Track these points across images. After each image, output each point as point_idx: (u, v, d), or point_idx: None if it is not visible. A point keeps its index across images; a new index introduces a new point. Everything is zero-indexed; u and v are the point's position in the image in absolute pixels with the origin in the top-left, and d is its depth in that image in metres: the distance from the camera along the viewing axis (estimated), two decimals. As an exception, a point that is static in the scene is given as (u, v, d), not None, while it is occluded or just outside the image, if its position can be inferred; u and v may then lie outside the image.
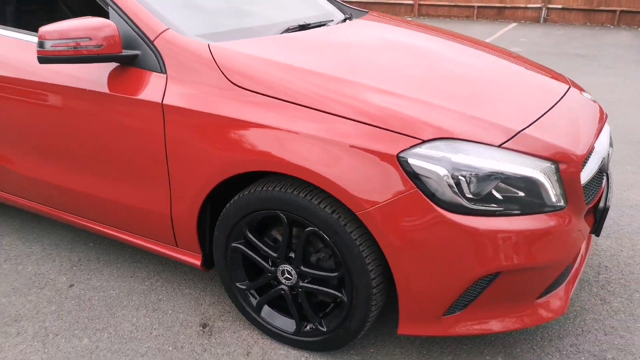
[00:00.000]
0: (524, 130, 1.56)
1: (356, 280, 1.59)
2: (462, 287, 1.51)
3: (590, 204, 1.72)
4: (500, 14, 13.10)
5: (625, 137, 4.01)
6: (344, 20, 2.52)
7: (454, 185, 1.44)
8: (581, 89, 2.10)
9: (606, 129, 1.91)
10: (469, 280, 1.49)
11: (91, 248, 2.46)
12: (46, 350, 1.82)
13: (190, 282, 2.22)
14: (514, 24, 12.31)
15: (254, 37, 1.92)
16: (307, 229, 1.62)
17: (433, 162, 1.44)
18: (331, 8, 2.76)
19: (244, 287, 1.86)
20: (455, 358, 1.80)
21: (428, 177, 1.44)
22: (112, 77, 1.82)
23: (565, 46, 8.72)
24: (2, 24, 2.31)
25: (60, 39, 1.66)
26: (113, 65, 1.83)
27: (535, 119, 1.65)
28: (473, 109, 1.59)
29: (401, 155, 1.45)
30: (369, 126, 1.49)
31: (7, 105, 2.07)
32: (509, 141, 1.51)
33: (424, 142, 1.46)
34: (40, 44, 1.66)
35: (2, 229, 2.63)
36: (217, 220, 1.87)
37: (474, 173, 1.45)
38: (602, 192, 1.89)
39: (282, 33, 2.05)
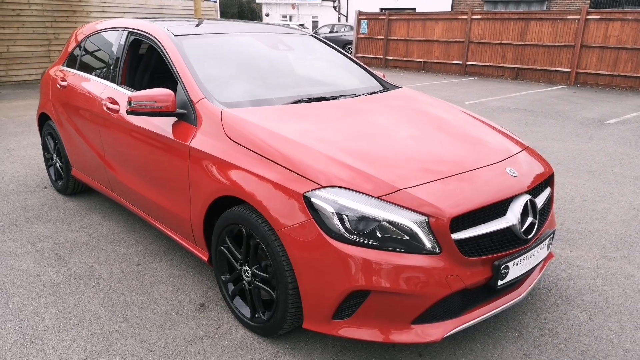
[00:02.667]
0: (405, 189, 2.05)
1: (279, 281, 2.21)
2: (339, 297, 2.03)
3: (480, 257, 2.09)
4: (670, 87, 11.91)
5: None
6: (371, 94, 3.18)
7: (339, 221, 2.01)
8: (533, 158, 2.45)
9: (520, 201, 2.23)
10: (343, 293, 2.02)
11: (163, 243, 3.45)
12: (105, 299, 2.78)
13: (208, 275, 3.02)
14: (684, 98, 11.10)
15: (264, 106, 2.71)
16: (255, 240, 2.31)
17: (326, 201, 2.04)
18: (371, 84, 3.43)
19: (225, 278, 2.60)
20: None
21: (322, 212, 2.04)
22: (174, 126, 2.77)
23: None
24: (136, 88, 3.49)
25: (139, 101, 2.66)
26: (174, 118, 2.78)
27: (430, 180, 2.11)
28: (375, 168, 2.14)
29: (306, 194, 2.08)
30: (291, 172, 2.15)
31: (125, 140, 3.18)
32: (388, 195, 2.03)
33: (322, 187, 2.07)
34: (129, 103, 2.69)
35: (95, 215, 3.79)
36: (217, 229, 2.66)
37: (353, 214, 2.00)
38: (511, 253, 2.19)
39: (292, 103, 2.81)
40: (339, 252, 2.00)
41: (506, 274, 2.17)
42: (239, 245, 2.48)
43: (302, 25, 31.59)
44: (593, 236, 3.67)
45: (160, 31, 3.12)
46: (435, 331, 2.07)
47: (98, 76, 3.61)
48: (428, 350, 2.36)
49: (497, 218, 2.18)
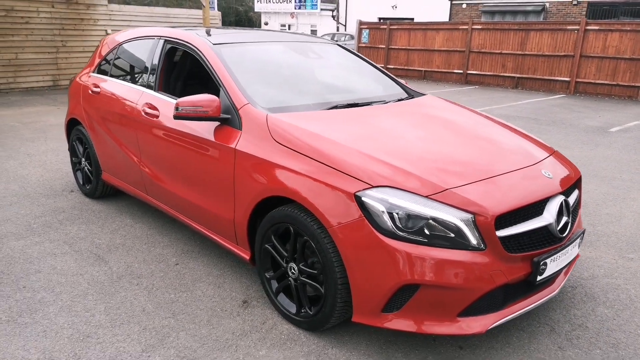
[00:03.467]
0: (452, 189, 2.18)
1: (328, 277, 2.33)
2: (390, 291, 2.15)
3: (521, 254, 2.21)
4: (668, 96, 12.17)
5: None
6: (398, 101, 3.32)
7: (388, 218, 2.13)
8: (562, 163, 2.59)
9: (557, 200, 2.37)
10: (394, 287, 2.14)
11: (197, 244, 3.56)
12: (150, 296, 2.88)
13: (246, 273, 3.13)
14: (682, 107, 11.35)
15: (304, 111, 2.84)
16: (304, 238, 2.43)
17: (377, 200, 2.16)
18: (397, 92, 3.57)
19: (269, 276, 2.71)
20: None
21: (372, 210, 2.16)
22: (216, 130, 2.90)
23: None
24: (172, 94, 3.60)
25: (186, 106, 2.79)
26: (217, 123, 2.91)
27: (474, 181, 2.25)
28: (420, 169, 2.27)
29: (357, 193, 2.20)
30: (341, 173, 2.28)
31: (165, 144, 3.30)
32: (436, 194, 2.16)
33: (372, 187, 2.19)
34: (176, 108, 2.81)
35: (137, 218, 3.90)
36: (261, 228, 2.77)
37: (403, 212, 2.13)
38: (548, 251, 2.33)
39: (329, 109, 2.95)
40: (390, 249, 2.12)
41: (544, 269, 2.29)
42: (285, 244, 2.60)
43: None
44: (610, 238, 3.81)
45: (199, 40, 3.25)
46: (479, 324, 2.19)
47: (134, 83, 3.73)
48: (468, 344, 2.48)
49: (534, 217, 2.31)
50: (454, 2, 24.76)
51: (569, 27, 13.44)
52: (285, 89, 3.16)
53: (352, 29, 31.45)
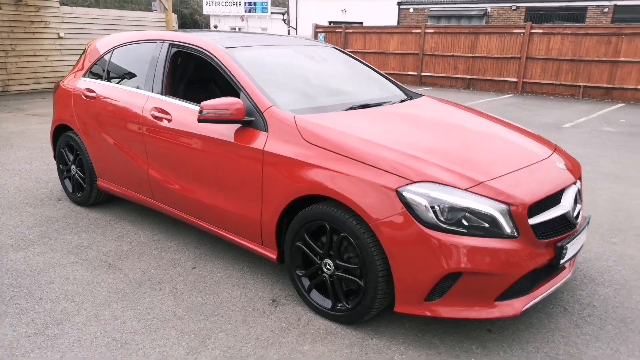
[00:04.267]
0: (486, 182, 2.34)
1: (369, 271, 2.43)
2: (434, 280, 2.28)
3: (547, 240, 2.41)
4: (607, 94, 13.14)
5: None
6: (402, 101, 3.47)
7: (431, 211, 2.27)
8: (564, 156, 2.82)
9: (572, 190, 2.59)
10: (438, 276, 2.27)
11: (208, 248, 3.56)
12: (177, 300, 2.87)
13: (266, 273, 3.18)
14: (620, 104, 12.30)
15: (325, 112, 2.93)
16: (341, 234, 2.52)
17: (419, 195, 2.29)
18: (398, 93, 3.73)
19: (300, 274, 2.78)
20: (440, 342, 2.52)
21: (414, 204, 2.29)
22: (237, 133, 2.93)
23: (665, 129, 8.74)
24: (175, 96, 3.58)
25: (210, 109, 2.81)
26: (237, 125, 2.94)
27: (502, 174, 2.42)
28: (456, 164, 2.42)
29: (399, 189, 2.32)
30: (382, 170, 2.39)
31: (178, 148, 3.28)
32: (473, 187, 2.31)
33: (413, 182, 2.32)
34: (200, 112, 2.82)
35: (159, 228, 3.85)
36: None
37: (444, 204, 2.27)
38: (568, 236, 2.54)
39: (346, 110, 3.05)
40: (433, 240, 2.25)
41: (565, 253, 2.50)
42: (317, 241, 2.68)
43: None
44: (591, 226, 4.13)
45: (211, 44, 3.27)
46: (513, 307, 2.37)
47: (135, 87, 3.68)
48: (495, 327, 2.65)
49: (555, 206, 2.52)
50: (401, 6, 25.46)
51: (515, 31, 14.21)
52: (301, 91, 3.23)
53: (304, 32, 31.70)
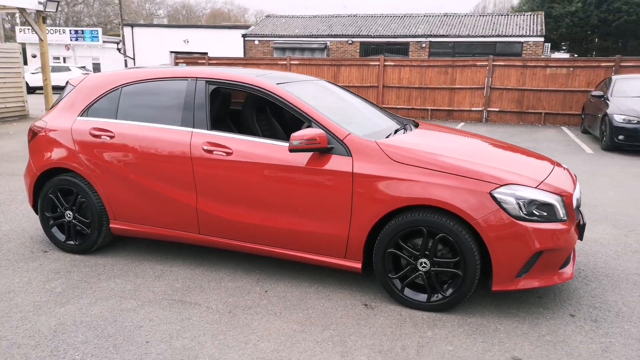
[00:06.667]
0: (544, 181, 3.12)
1: (468, 262, 3.00)
2: (524, 260, 2.96)
3: (576, 222, 3.27)
4: (449, 115, 15.65)
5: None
6: (415, 127, 4.12)
7: (517, 206, 2.94)
8: (559, 164, 3.77)
9: (578, 188, 3.53)
10: (528, 255, 2.95)
11: (260, 273, 3.71)
12: (283, 319, 3.04)
13: (340, 283, 3.51)
14: (462, 123, 14.79)
15: (389, 137, 3.43)
16: (438, 235, 3.04)
17: (507, 195, 2.95)
18: (392, 124, 4.35)
19: (393, 276, 3.21)
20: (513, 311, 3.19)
21: (505, 202, 2.94)
22: (312, 159, 3.25)
23: (508, 141, 10.93)
24: (223, 130, 3.68)
25: (301, 140, 3.10)
26: (310, 153, 3.26)
27: (546, 176, 3.23)
28: (516, 170, 3.15)
29: (491, 192, 2.95)
30: (470, 178, 3.00)
31: (244, 179, 3.42)
32: (539, 185, 3.06)
33: (501, 185, 2.98)
34: (291, 143, 3.10)
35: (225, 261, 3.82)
36: (375, 237, 3.25)
37: (525, 200, 2.97)
38: (581, 218, 3.45)
39: (391, 135, 3.59)
40: (522, 228, 2.93)
41: (583, 231, 3.40)
42: (406, 244, 3.15)
43: (83, 67, 29.33)
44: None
45: (263, 81, 3.53)
46: (567, 272, 3.16)
47: (170, 124, 3.67)
48: (542, 293, 3.42)
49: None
50: (246, 38, 26.42)
51: (371, 63, 16.08)
52: (349, 120, 3.67)
53: (143, 62, 30.51)
